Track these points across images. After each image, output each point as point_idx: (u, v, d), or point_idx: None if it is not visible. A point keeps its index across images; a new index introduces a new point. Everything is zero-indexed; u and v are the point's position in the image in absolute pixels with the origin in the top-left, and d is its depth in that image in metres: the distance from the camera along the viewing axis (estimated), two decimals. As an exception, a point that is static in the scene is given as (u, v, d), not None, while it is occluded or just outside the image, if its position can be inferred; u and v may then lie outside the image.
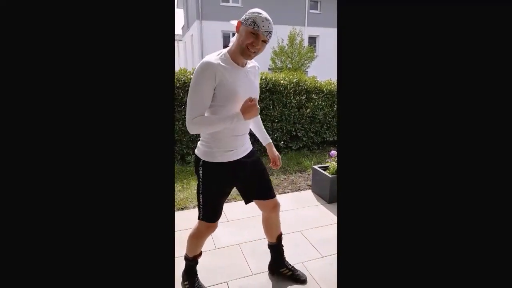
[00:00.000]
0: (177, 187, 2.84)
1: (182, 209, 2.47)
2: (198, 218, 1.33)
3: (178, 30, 23.59)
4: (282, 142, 3.96)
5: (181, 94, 3.40)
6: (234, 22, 1.15)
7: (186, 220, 2.21)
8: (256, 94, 1.24)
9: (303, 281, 1.56)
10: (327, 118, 4.19)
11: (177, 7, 18.87)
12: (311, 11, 15.23)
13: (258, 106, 1.16)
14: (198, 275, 1.50)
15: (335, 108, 4.20)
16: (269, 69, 12.69)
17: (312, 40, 15.53)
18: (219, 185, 1.28)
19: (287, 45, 12.51)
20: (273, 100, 3.72)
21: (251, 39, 1.08)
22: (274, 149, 1.52)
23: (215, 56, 1.13)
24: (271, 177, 3.05)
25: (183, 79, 3.42)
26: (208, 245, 1.91)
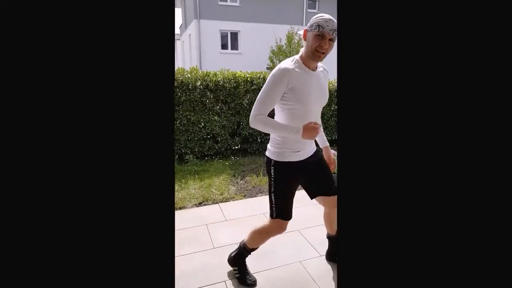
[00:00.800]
0: (175, 186, 2.84)
1: (180, 208, 2.46)
2: (271, 217, 1.39)
3: (176, 29, 23.54)
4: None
5: (179, 93, 3.39)
6: (301, 32, 1.24)
7: (184, 220, 2.21)
8: (325, 97, 1.34)
9: None
10: (325, 117, 4.20)
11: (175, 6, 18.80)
12: (309, 10, 15.23)
13: (320, 131, 1.23)
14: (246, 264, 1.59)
15: (333, 108, 4.21)
16: (267, 68, 12.69)
17: (310, 39, 15.54)
18: (289, 183, 1.36)
19: (285, 44, 12.51)
20: (271, 99, 3.72)
21: (318, 41, 1.16)
22: (330, 151, 1.60)
23: (290, 62, 1.24)
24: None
25: (180, 78, 3.41)
26: (206, 244, 1.91)
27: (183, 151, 3.56)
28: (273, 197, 1.37)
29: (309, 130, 1.21)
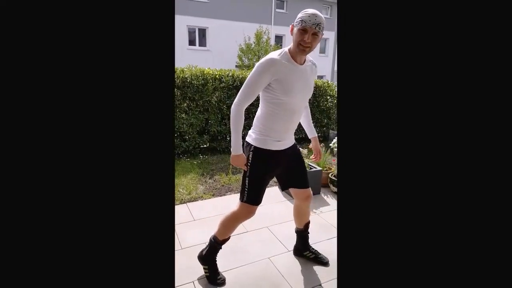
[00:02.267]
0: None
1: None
2: (241, 200, 1.42)
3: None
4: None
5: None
6: (289, 28, 1.28)
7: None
8: (310, 91, 1.39)
9: (325, 263, 1.70)
10: (331, 111, 4.26)
11: None
12: (277, 10, 15.41)
13: (244, 166, 1.36)
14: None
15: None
16: (236, 66, 12.64)
17: (279, 38, 15.73)
18: (265, 170, 1.40)
19: (254, 43, 12.55)
20: (240, 98, 3.72)
21: (301, 36, 1.20)
22: (318, 143, 1.67)
23: (277, 54, 1.27)
24: (239, 175, 3.06)
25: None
26: (176, 244, 1.86)
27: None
28: (247, 181, 1.40)
29: (237, 160, 1.34)
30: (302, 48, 1.22)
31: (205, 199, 2.56)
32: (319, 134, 4.45)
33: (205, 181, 2.97)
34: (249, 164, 1.39)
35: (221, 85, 3.69)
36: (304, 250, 1.74)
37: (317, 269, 1.67)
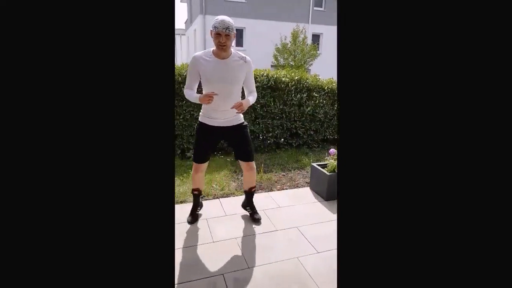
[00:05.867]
0: (177, 181, 2.87)
1: (181, 202, 2.50)
2: (192, 160, 2.07)
3: (181, 25, 23.43)
4: (282, 139, 3.97)
5: (183, 88, 3.41)
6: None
7: (185, 213, 2.24)
8: (232, 82, 1.80)
9: (257, 220, 2.16)
10: (328, 116, 4.20)
11: (180, 2, 18.75)
12: (315, 8, 15.13)
13: (211, 98, 1.69)
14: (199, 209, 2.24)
15: (335, 107, 4.21)
16: (271, 66, 12.65)
17: (316, 37, 15.45)
18: (202, 138, 1.96)
19: (290, 42, 12.46)
20: (274, 97, 3.73)
21: (217, 39, 1.66)
22: (242, 101, 1.86)
23: (201, 52, 1.79)
24: (270, 174, 3.09)
25: (184, 74, 3.43)
26: (206, 238, 1.95)
27: (186, 146, 3.59)
28: (193, 146, 1.99)
29: (202, 98, 1.71)
30: (220, 47, 1.68)
31: (236, 195, 2.63)
32: (331, 137, 4.31)
33: (237, 178, 3.04)
34: (195, 133, 1.98)
35: (255, 84, 3.73)
36: (246, 206, 2.25)
37: (347, 273, 1.64)
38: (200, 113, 1.96)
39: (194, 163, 2.03)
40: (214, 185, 2.81)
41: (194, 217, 2.14)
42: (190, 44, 17.91)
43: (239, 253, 1.80)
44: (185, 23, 20.06)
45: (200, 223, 2.14)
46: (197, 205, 2.18)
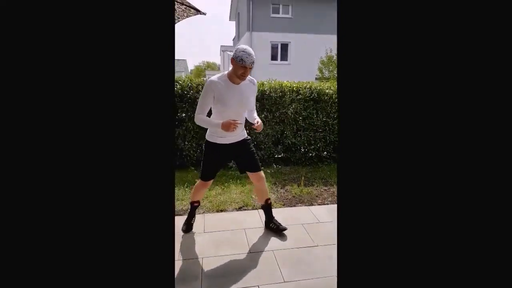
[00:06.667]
0: (179, 191, 2.94)
1: (221, 211, 2.55)
2: (199, 177, 2.09)
3: (229, 42, 24.64)
4: (325, 153, 3.88)
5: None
6: (230, 56, 1.80)
7: (222, 222, 2.28)
8: (245, 105, 1.89)
9: (283, 230, 2.13)
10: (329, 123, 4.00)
11: (229, 20, 19.77)
12: (363, 20, 14.78)
13: (236, 126, 1.73)
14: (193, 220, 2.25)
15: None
16: (316, 78, 12.56)
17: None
18: (211, 157, 2.00)
19: (336, 54, 12.28)
20: (316, 109, 3.68)
21: (242, 70, 1.74)
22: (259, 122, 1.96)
23: (216, 76, 1.83)
24: (311, 188, 3.02)
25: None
26: (242, 247, 1.95)
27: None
28: (201, 164, 2.02)
29: (225, 125, 1.73)
30: (242, 78, 1.78)
31: (275, 207, 2.61)
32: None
33: (277, 190, 3.03)
34: (204, 152, 2.00)
35: (298, 97, 3.73)
36: (269, 222, 2.18)
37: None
38: (208, 132, 1.97)
39: (201, 180, 2.06)
40: (253, 196, 2.82)
41: (189, 227, 2.18)
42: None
43: (276, 266, 1.77)
44: (233, 40, 21.05)
45: (238, 232, 2.16)
46: (193, 216, 2.23)
